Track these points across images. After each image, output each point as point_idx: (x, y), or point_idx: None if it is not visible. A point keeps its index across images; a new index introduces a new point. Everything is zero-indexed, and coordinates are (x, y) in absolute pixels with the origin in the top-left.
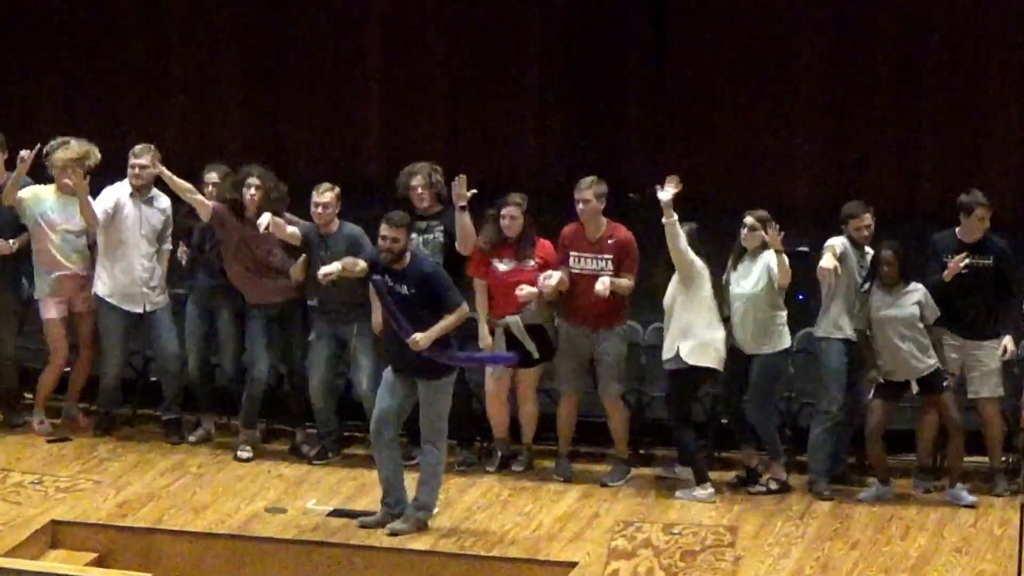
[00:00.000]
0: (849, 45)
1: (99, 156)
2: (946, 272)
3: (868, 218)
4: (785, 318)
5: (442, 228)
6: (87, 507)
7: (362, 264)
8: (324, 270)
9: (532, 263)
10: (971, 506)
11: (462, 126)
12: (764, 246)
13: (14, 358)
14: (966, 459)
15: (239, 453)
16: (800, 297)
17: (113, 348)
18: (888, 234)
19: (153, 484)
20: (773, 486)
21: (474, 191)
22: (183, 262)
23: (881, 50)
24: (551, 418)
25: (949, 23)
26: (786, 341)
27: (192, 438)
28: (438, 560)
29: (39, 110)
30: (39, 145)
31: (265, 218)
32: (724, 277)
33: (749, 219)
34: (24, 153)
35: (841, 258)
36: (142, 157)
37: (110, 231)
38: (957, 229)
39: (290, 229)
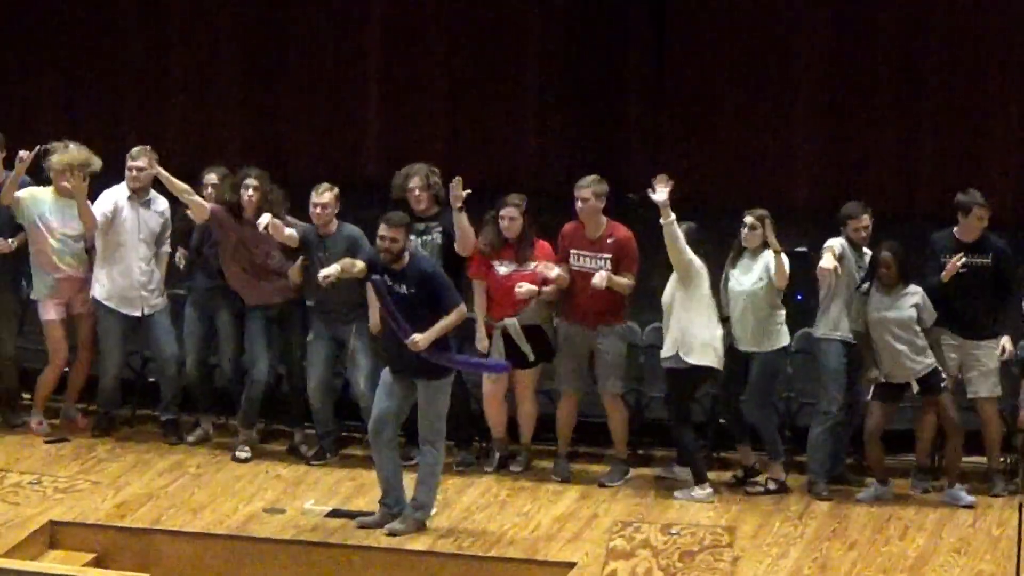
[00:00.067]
0: (849, 45)
1: (100, 164)
2: (944, 273)
3: (866, 219)
4: (784, 317)
5: (440, 230)
6: (85, 507)
7: (361, 265)
8: (323, 272)
9: (532, 265)
10: (969, 506)
11: (462, 126)
12: (765, 245)
13: (14, 358)
14: (964, 459)
15: (237, 453)
16: (798, 297)
17: (112, 349)
18: (887, 234)
19: (151, 484)
20: (771, 486)
21: (468, 191)
22: (181, 267)
23: (881, 50)
24: (550, 418)
25: (949, 23)
26: (785, 339)
27: (190, 438)
28: (436, 560)
29: (39, 110)
30: (39, 146)
31: (265, 218)
32: (723, 276)
33: (749, 218)
34: (23, 153)
35: (840, 258)
36: (139, 159)
37: (108, 234)
38: (955, 229)
39: (288, 231)
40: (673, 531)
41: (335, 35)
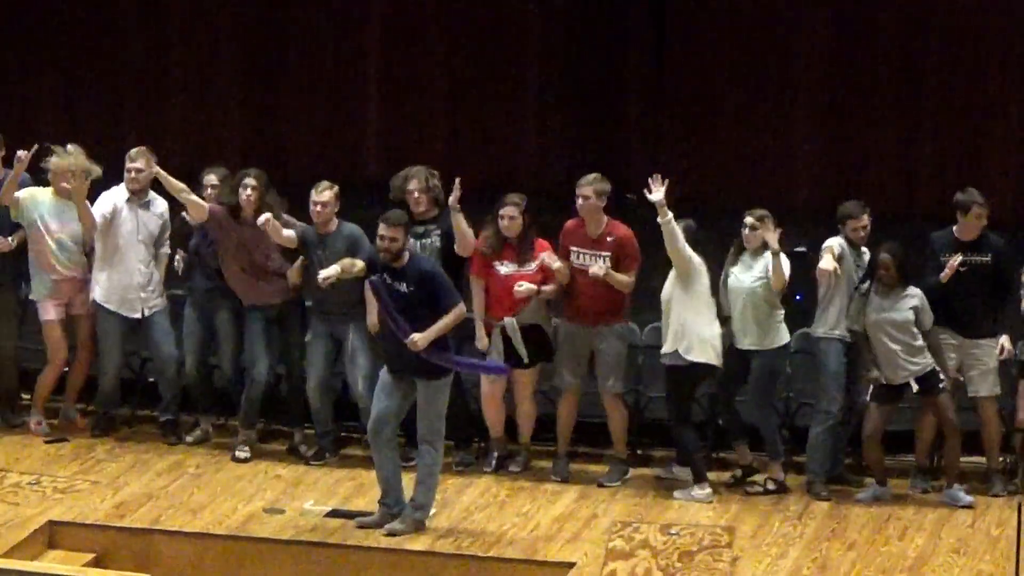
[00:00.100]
0: (849, 45)
1: (99, 172)
2: (942, 275)
3: (865, 219)
4: (783, 316)
5: (439, 233)
6: (85, 508)
7: (360, 265)
8: (323, 274)
9: (532, 265)
10: (968, 507)
11: (462, 126)
12: (766, 245)
13: (14, 358)
14: (964, 460)
15: (237, 453)
16: (798, 298)
17: (111, 350)
18: (887, 234)
19: (151, 485)
20: (771, 486)
21: (458, 193)
22: (179, 271)
23: (881, 50)
24: (549, 418)
25: (949, 23)
26: (785, 338)
27: (190, 439)
28: (436, 561)
29: (39, 110)
30: (36, 145)
31: (264, 216)
32: (722, 274)
33: (749, 219)
34: (21, 153)
35: (839, 259)
36: (137, 161)
37: (107, 236)
38: (954, 228)
39: (287, 233)
40: (672, 531)
41: (335, 35)
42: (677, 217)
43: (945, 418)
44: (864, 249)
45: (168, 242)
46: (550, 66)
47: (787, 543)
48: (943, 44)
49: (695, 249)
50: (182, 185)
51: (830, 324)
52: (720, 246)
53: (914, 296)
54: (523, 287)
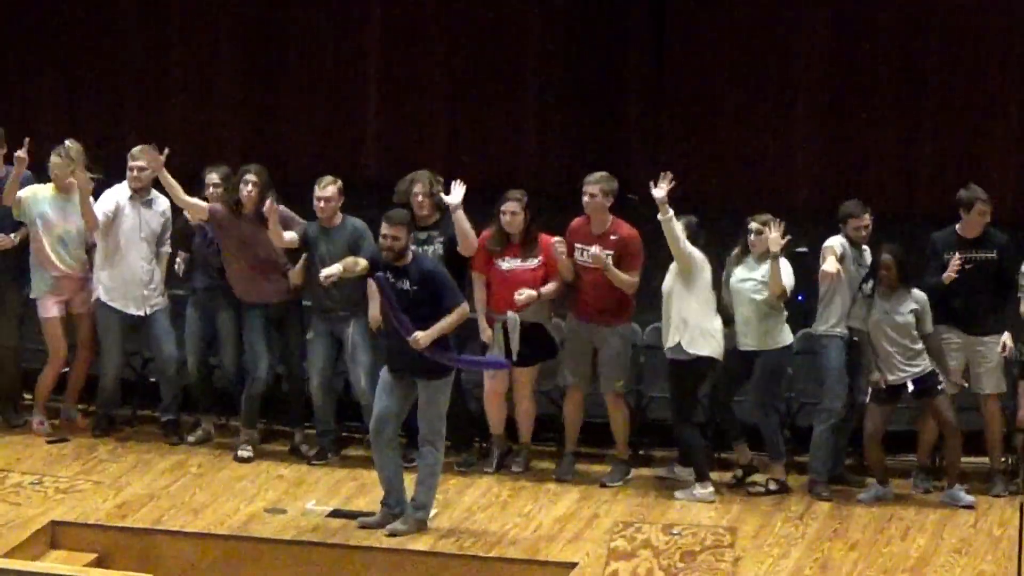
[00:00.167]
0: (849, 45)
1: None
2: (945, 275)
3: (867, 218)
4: (786, 317)
5: (442, 240)
6: (87, 508)
7: (363, 263)
8: (325, 272)
9: (535, 261)
10: (970, 507)
11: (462, 126)
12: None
13: (15, 357)
14: (965, 460)
15: (239, 452)
16: (800, 298)
17: (111, 348)
18: (888, 234)
19: (152, 485)
20: (772, 487)
21: (462, 190)
22: (180, 273)
23: (881, 50)
24: (549, 418)
25: (949, 23)
26: (788, 338)
27: (191, 439)
28: (438, 561)
29: (39, 110)
30: (28, 138)
31: (269, 202)
32: (724, 275)
33: (754, 224)
34: (21, 153)
35: (841, 258)
36: (140, 159)
37: (109, 234)
38: (957, 226)
39: (288, 236)
40: (674, 531)
41: (335, 35)
42: (678, 215)
43: (943, 419)
44: (865, 248)
45: (169, 241)
46: (550, 66)
47: (789, 543)
48: (943, 44)
49: (696, 244)
50: (179, 191)
51: (831, 321)
52: (720, 246)
53: (915, 299)
54: (523, 295)
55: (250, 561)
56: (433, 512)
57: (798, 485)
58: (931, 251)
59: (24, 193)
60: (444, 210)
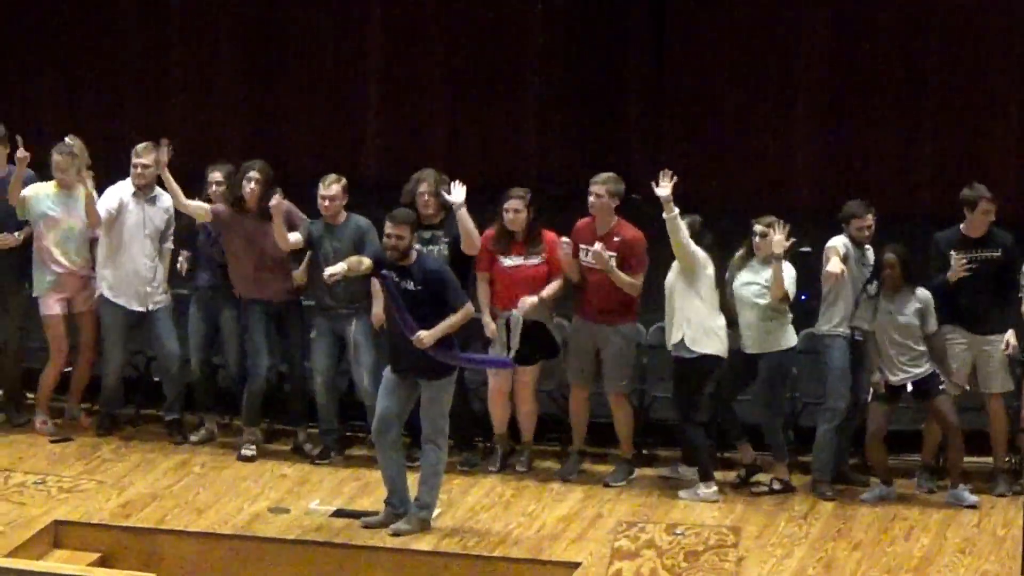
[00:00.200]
0: (849, 45)
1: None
2: (949, 274)
3: (870, 218)
4: (790, 318)
5: (447, 239)
6: (90, 507)
7: (367, 262)
8: (329, 271)
9: (537, 259)
10: (973, 507)
11: (462, 126)
12: None
13: (18, 357)
14: (969, 460)
15: (243, 451)
16: (803, 298)
17: (114, 346)
18: (888, 234)
19: (156, 484)
20: (776, 486)
21: (463, 190)
22: (183, 272)
23: (881, 50)
24: (550, 418)
25: (949, 23)
26: (792, 339)
27: (194, 438)
28: (441, 560)
29: (40, 110)
30: (17, 136)
31: (275, 198)
32: (726, 277)
33: (759, 226)
34: (20, 153)
35: (844, 258)
36: (144, 157)
37: (113, 231)
38: (961, 225)
39: (293, 237)
40: (678, 531)
41: (335, 35)
42: (683, 215)
43: (945, 420)
44: (868, 247)
45: (172, 238)
46: (550, 66)
47: (792, 543)
48: (943, 44)
49: (701, 245)
50: (182, 196)
51: (835, 321)
52: (721, 246)
53: (919, 299)
54: (527, 303)
55: (254, 561)
56: (437, 512)
57: (802, 485)
58: (935, 251)
59: (27, 192)
60: (449, 209)
